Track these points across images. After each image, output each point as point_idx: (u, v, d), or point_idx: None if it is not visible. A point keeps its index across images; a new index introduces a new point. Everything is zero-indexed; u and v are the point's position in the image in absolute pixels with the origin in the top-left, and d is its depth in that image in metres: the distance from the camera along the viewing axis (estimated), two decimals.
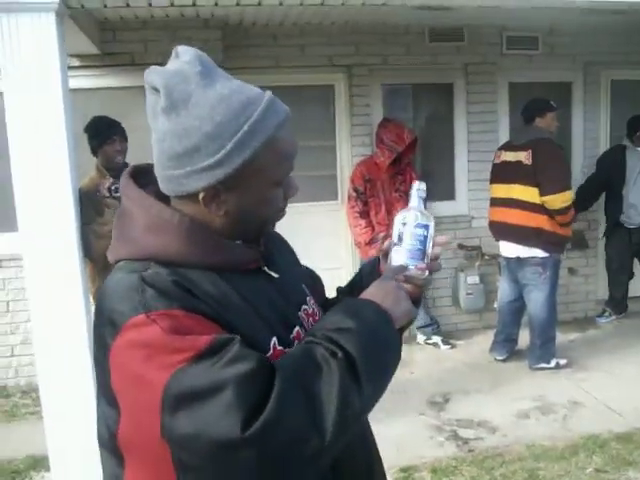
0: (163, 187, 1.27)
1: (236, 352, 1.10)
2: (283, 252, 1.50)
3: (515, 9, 4.47)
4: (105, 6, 3.79)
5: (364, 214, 5.64)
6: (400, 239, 1.41)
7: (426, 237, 1.41)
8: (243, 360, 1.10)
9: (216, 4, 4.00)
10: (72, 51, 5.15)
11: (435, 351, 5.85)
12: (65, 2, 3.58)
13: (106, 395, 1.21)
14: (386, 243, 1.45)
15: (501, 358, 5.46)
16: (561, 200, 4.87)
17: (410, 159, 5.76)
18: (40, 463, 3.99)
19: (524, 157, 4.97)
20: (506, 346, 5.48)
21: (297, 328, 1.34)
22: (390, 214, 5.62)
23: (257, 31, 5.71)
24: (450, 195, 6.30)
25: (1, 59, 3.55)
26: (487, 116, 6.16)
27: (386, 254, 1.45)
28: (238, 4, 4.00)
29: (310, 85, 6.00)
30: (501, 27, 6.05)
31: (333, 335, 1.19)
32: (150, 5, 3.90)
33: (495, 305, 5.71)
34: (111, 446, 1.24)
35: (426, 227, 1.41)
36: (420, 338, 5.99)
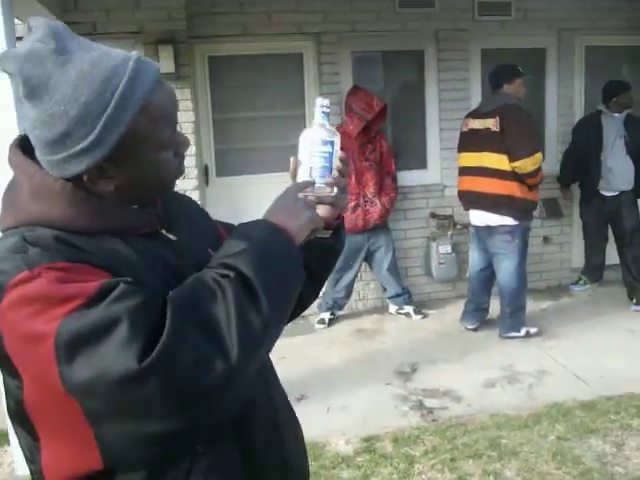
0: (50, 171, 1.21)
1: (124, 289, 1.08)
2: (189, 214, 1.46)
3: None
4: None
5: None
6: (307, 158, 1.37)
7: (331, 153, 1.37)
8: (132, 295, 1.07)
9: None
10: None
11: (407, 321, 5.84)
12: None
13: (4, 366, 1.17)
14: (292, 165, 1.39)
15: (472, 327, 5.45)
16: (531, 163, 4.83)
17: (380, 128, 5.70)
18: (4, 438, 3.98)
19: (492, 124, 4.91)
20: (476, 315, 5.46)
21: None
22: (360, 183, 5.58)
23: None
24: (422, 164, 6.24)
25: None
26: (459, 84, 6.08)
27: (295, 177, 1.40)
28: None
29: (278, 54, 5.90)
30: None
31: (225, 260, 1.17)
32: None
33: (467, 274, 5.67)
34: (20, 417, 1.21)
35: (331, 143, 1.37)
36: (392, 308, 5.98)
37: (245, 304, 1.11)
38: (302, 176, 1.37)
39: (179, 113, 4.55)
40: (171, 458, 1.20)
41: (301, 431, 1.55)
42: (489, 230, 5.13)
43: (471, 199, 5.22)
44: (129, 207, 1.27)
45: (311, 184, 1.35)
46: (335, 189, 1.38)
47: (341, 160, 1.39)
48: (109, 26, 5.28)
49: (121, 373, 1.02)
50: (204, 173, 5.86)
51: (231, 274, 1.13)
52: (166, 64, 5.27)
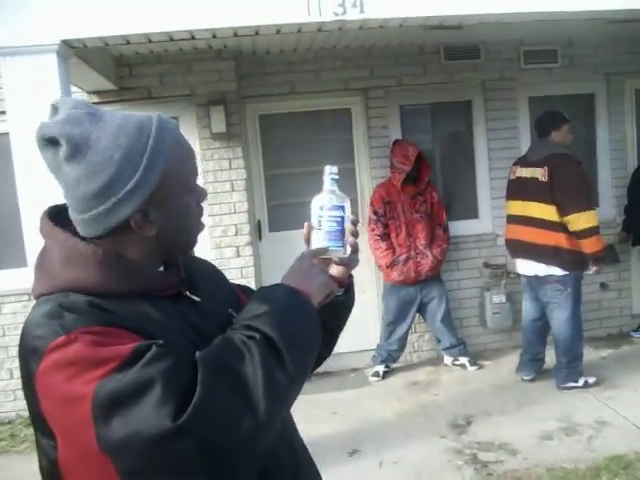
0: (88, 231, 1.28)
1: (157, 351, 1.13)
2: (208, 276, 1.52)
3: (532, 23, 4.40)
4: (106, 44, 3.88)
5: (384, 237, 5.62)
6: (319, 223, 1.44)
7: (343, 217, 1.44)
8: (164, 357, 1.13)
9: (235, 34, 4.06)
10: (90, 88, 5.30)
11: (462, 372, 5.76)
12: (67, 42, 3.68)
13: (39, 426, 1.22)
14: (306, 230, 1.47)
15: (528, 378, 5.34)
16: (585, 220, 4.75)
17: (430, 179, 5.72)
18: None
19: (540, 174, 4.88)
20: (533, 366, 5.36)
21: None
22: (411, 235, 5.60)
23: (271, 59, 5.77)
24: (473, 214, 6.24)
25: (6, 100, 3.67)
26: (507, 132, 6.09)
27: (309, 241, 1.48)
28: (257, 33, 4.07)
29: (327, 110, 6.04)
30: (518, 42, 6.00)
31: (248, 322, 1.24)
32: (150, 41, 3.98)
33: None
34: (53, 476, 1.25)
35: (342, 208, 1.44)
36: (447, 359, 5.91)
37: (271, 364, 1.17)
38: (315, 240, 1.44)
39: (232, 171, 4.75)
40: None
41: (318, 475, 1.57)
42: (539, 279, 5.06)
43: (518, 248, 5.17)
44: (155, 270, 1.34)
45: (324, 251, 1.43)
46: (348, 250, 1.45)
47: (352, 222, 1.46)
48: (162, 90, 5.50)
49: (156, 432, 1.07)
50: (257, 228, 5.97)
51: (257, 336, 1.19)
52: (218, 124, 5.45)
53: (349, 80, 5.91)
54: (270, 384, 1.15)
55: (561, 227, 4.83)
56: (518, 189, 5.11)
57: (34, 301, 1.28)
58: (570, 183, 4.78)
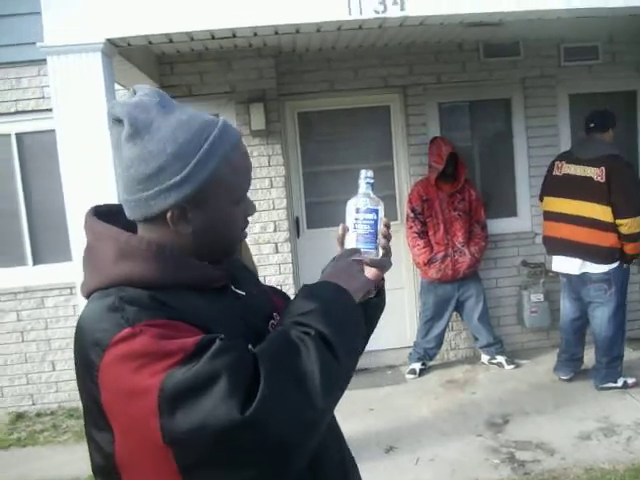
0: (132, 214, 1.33)
1: (221, 345, 1.16)
2: (244, 273, 1.55)
3: (572, 19, 4.36)
4: (149, 43, 3.94)
5: (422, 234, 5.62)
6: (354, 225, 1.48)
7: (376, 220, 1.48)
8: (229, 350, 1.16)
9: (276, 33, 4.09)
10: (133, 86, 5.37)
11: (499, 371, 5.74)
12: (111, 41, 3.75)
13: (96, 422, 1.24)
14: (340, 232, 1.51)
15: (566, 378, 5.30)
16: (637, 224, 4.75)
17: (467, 176, 5.70)
18: None
19: (596, 174, 4.80)
20: (571, 365, 5.32)
21: None
22: (449, 233, 5.59)
23: (310, 56, 5.80)
24: (512, 212, 6.20)
25: (52, 98, 3.75)
26: (547, 130, 6.04)
27: (343, 243, 1.51)
28: (298, 31, 4.10)
29: (365, 107, 6.05)
30: (558, 39, 5.94)
31: (300, 319, 1.27)
32: (192, 39, 4.03)
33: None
34: (108, 471, 1.27)
35: (376, 211, 1.48)
36: (484, 358, 5.90)
37: (326, 358, 1.20)
38: (349, 242, 1.49)
39: (271, 168, 4.79)
40: None
41: (358, 469, 1.60)
42: (582, 278, 5.01)
43: (559, 246, 5.10)
44: (203, 262, 1.36)
45: (357, 251, 1.47)
46: (380, 253, 1.49)
47: (385, 225, 1.50)
48: (203, 88, 5.56)
49: (224, 423, 1.09)
50: (295, 225, 6.01)
51: (311, 332, 1.23)
52: (257, 121, 5.49)
53: (388, 77, 5.91)
54: (326, 378, 1.18)
55: (614, 228, 4.79)
56: (565, 186, 5.01)
57: (76, 295, 1.32)
58: (627, 186, 4.77)
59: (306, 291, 1.36)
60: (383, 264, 1.52)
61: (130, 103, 1.28)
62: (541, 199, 5.34)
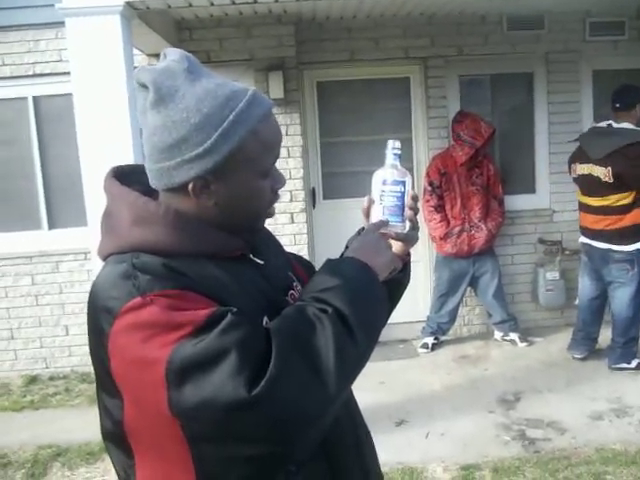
0: (154, 182, 1.30)
1: (232, 320, 1.13)
2: (267, 242, 1.52)
3: None
4: (169, 7, 3.89)
5: (439, 208, 5.57)
6: (380, 198, 1.44)
7: (403, 193, 1.44)
8: (240, 326, 1.13)
9: None
10: (150, 51, 5.33)
11: (512, 348, 5.72)
12: (130, 4, 3.70)
13: (106, 387, 1.24)
14: (366, 204, 1.46)
15: (579, 356, 5.27)
16: None
17: (487, 151, 5.64)
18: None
19: (603, 174, 4.77)
20: (585, 344, 5.28)
21: None
22: (466, 208, 5.55)
23: (331, 25, 5.72)
24: (530, 188, 6.12)
25: (70, 61, 3.71)
26: (569, 106, 5.94)
27: (368, 215, 1.47)
28: None
29: (385, 78, 5.96)
30: (584, 13, 5.81)
31: (319, 295, 1.24)
32: (212, 4, 3.97)
33: (576, 302, 5.50)
34: (117, 437, 1.27)
35: (403, 183, 1.44)
36: (497, 334, 5.87)
37: (342, 338, 1.17)
38: (376, 214, 1.44)
39: (288, 138, 4.74)
40: (266, 477, 1.25)
41: (373, 443, 1.58)
42: (605, 257, 4.95)
43: (590, 234, 5.07)
44: (222, 231, 1.32)
45: (386, 224, 1.42)
46: (407, 226, 1.44)
47: (412, 198, 1.45)
48: (222, 54, 5.50)
49: (230, 400, 1.08)
50: (311, 196, 5.97)
51: (329, 309, 1.19)
52: (276, 90, 5.43)
53: (409, 49, 5.82)
54: (341, 358, 1.15)
55: (636, 205, 4.78)
56: (582, 185, 5.05)
57: (90, 260, 1.30)
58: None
59: (329, 266, 1.33)
60: (410, 238, 1.47)
61: (157, 69, 1.24)
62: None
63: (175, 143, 1.22)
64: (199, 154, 1.22)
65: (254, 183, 1.30)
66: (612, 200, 4.80)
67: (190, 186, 1.25)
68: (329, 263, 1.34)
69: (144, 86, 1.24)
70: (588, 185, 4.95)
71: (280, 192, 1.40)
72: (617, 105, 4.92)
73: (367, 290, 1.28)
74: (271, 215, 1.40)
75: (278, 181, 1.37)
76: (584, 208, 5.10)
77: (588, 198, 5.01)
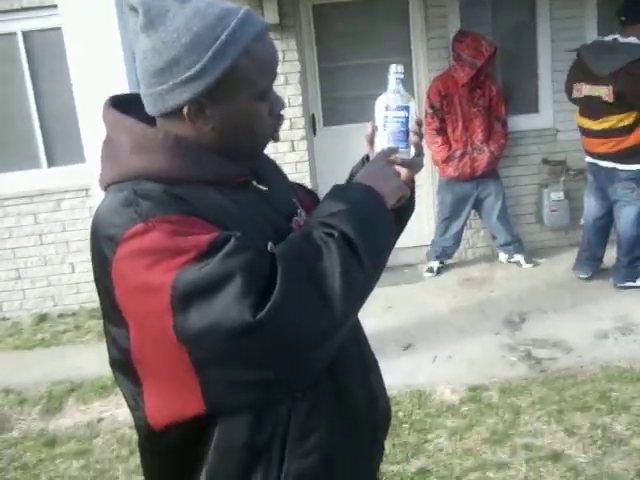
0: (150, 109, 1.28)
1: (236, 244, 1.12)
2: (269, 169, 1.50)
3: None
4: None
5: (441, 131, 5.50)
6: (383, 124, 1.40)
7: (407, 118, 1.40)
8: (244, 250, 1.12)
9: None
10: None
11: (517, 269, 5.72)
12: None
13: (111, 316, 1.24)
14: (369, 130, 1.44)
15: (584, 276, 5.28)
16: None
17: (489, 71, 5.52)
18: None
19: (605, 94, 4.67)
20: (590, 264, 5.28)
21: None
22: (468, 130, 5.47)
23: None
24: (533, 108, 6.00)
25: None
26: (573, 22, 5.77)
27: (372, 142, 1.45)
28: None
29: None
30: None
31: (326, 220, 1.22)
32: None
33: (581, 222, 5.48)
34: (125, 366, 1.27)
35: (406, 108, 1.40)
36: (502, 256, 5.87)
37: (348, 262, 1.16)
38: (380, 141, 1.41)
39: (285, 64, 4.64)
40: (272, 402, 1.26)
41: (379, 369, 1.58)
42: (610, 176, 4.90)
43: (596, 156, 5.01)
44: (223, 158, 1.30)
45: (395, 151, 1.38)
46: (412, 152, 1.41)
47: (417, 123, 1.41)
48: None
49: (235, 325, 1.07)
50: (311, 122, 5.89)
51: (335, 233, 1.18)
52: (270, 15, 5.30)
53: None
54: (347, 283, 1.14)
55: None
56: (586, 107, 4.92)
57: (91, 197, 1.28)
58: None
59: (336, 192, 1.31)
60: (415, 164, 1.43)
61: None
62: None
63: (166, 66, 1.20)
64: (191, 76, 1.20)
65: (250, 106, 1.27)
66: (613, 122, 4.72)
67: (185, 110, 1.23)
68: (336, 189, 1.32)
69: (134, 9, 1.21)
70: (589, 106, 4.86)
71: (282, 115, 1.37)
72: (623, 18, 4.76)
73: (374, 215, 1.27)
74: (276, 139, 1.38)
75: (276, 104, 1.34)
76: (585, 132, 5.02)
77: (588, 121, 4.92)
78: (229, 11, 1.21)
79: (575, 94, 5.01)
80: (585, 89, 4.89)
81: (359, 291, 1.20)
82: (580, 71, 4.96)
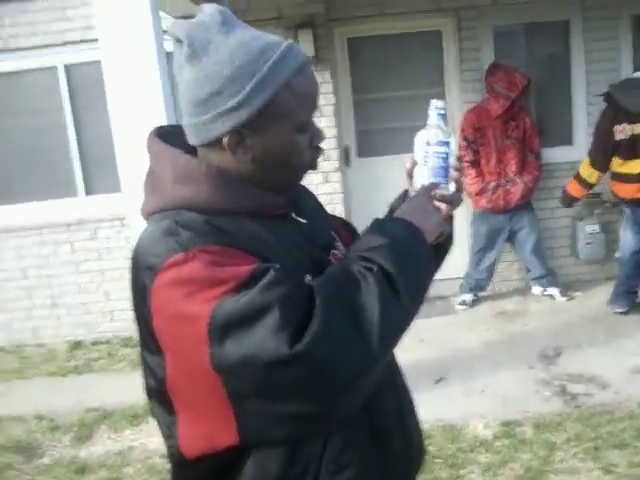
0: (192, 139, 1.30)
1: (275, 276, 1.13)
2: (309, 202, 1.51)
3: None
4: None
5: (474, 163, 5.49)
6: (424, 159, 1.41)
7: (448, 154, 1.41)
8: (283, 283, 1.13)
9: None
10: (178, 14, 5.25)
11: (551, 303, 5.65)
12: None
13: (148, 344, 1.24)
14: (409, 165, 1.45)
15: (621, 311, 5.19)
16: None
17: (523, 103, 5.51)
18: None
19: None
20: (627, 298, 5.20)
21: None
22: (501, 163, 5.46)
23: None
24: (567, 140, 5.98)
25: (98, 29, 3.70)
26: (608, 54, 5.75)
27: (411, 176, 1.45)
28: None
29: (416, 32, 5.83)
30: None
31: (365, 254, 1.22)
32: None
33: (617, 255, 5.41)
34: (160, 394, 1.27)
35: (447, 144, 1.40)
36: (536, 289, 5.81)
37: (387, 297, 1.15)
38: (420, 176, 1.42)
39: (320, 96, 4.65)
40: (307, 437, 1.25)
41: (416, 411, 1.56)
42: None
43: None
44: (264, 189, 1.31)
45: (437, 186, 1.39)
46: (452, 188, 1.41)
47: (457, 159, 1.42)
48: (249, 13, 5.41)
49: (272, 357, 1.07)
50: (345, 154, 5.93)
51: (374, 267, 1.18)
52: (306, 48, 5.36)
53: (440, 0, 5.68)
54: (385, 318, 1.13)
55: None
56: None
57: (127, 227, 1.30)
58: None
59: (377, 226, 1.31)
60: (455, 200, 1.42)
61: (191, 23, 1.25)
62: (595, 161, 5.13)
63: (209, 96, 1.22)
64: (233, 107, 1.22)
65: (290, 138, 1.29)
66: None
67: (225, 140, 1.25)
68: (377, 223, 1.33)
69: (179, 41, 1.25)
70: (632, 146, 4.80)
71: (320, 147, 1.38)
72: None
73: (414, 251, 1.27)
74: (314, 168, 1.39)
75: (316, 136, 1.36)
76: (621, 178, 4.96)
77: (629, 164, 4.86)
78: (272, 45, 1.24)
79: (619, 136, 4.90)
80: (628, 129, 4.83)
81: (396, 326, 1.19)
82: (617, 112, 4.91)
